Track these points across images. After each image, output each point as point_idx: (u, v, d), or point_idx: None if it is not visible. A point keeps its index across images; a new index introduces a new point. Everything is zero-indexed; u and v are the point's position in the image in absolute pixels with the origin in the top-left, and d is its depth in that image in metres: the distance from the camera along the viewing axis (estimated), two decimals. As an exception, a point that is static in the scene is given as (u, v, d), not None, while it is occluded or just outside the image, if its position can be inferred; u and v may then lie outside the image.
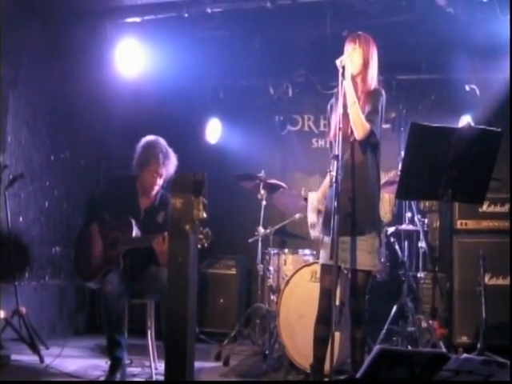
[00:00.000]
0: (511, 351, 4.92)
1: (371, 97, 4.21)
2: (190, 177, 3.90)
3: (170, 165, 4.97)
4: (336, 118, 4.18)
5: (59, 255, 6.54)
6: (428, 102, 6.72)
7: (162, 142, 5.00)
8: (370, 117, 4.14)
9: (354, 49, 4.22)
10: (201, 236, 4.14)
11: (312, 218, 4.60)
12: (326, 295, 4.16)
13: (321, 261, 4.31)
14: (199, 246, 4.11)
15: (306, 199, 5.14)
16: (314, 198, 4.58)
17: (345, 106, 4.12)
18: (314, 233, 4.68)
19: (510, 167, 5.78)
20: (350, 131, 4.17)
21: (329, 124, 4.46)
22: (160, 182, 4.95)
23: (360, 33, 4.30)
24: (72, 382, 4.73)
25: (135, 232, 4.75)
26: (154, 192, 4.98)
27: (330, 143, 4.34)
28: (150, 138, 5.03)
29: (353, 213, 4.13)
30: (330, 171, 4.05)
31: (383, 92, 4.27)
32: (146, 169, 4.93)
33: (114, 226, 4.85)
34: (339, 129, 3.96)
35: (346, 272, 4.74)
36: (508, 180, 5.76)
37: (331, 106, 4.46)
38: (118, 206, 4.91)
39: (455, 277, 5.79)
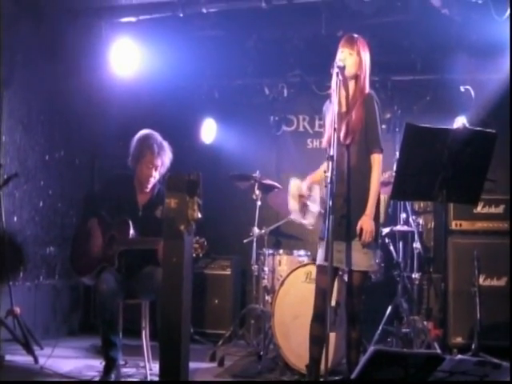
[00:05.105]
0: (511, 352, 4.92)
1: (366, 109, 4.21)
2: (185, 177, 3.90)
3: (166, 156, 4.97)
4: (330, 120, 4.19)
5: (54, 255, 6.51)
6: (423, 103, 6.72)
7: (156, 134, 5.02)
8: (376, 143, 4.21)
9: (350, 54, 4.22)
10: (196, 245, 4.14)
11: (293, 204, 4.57)
12: (322, 294, 4.16)
13: (317, 261, 4.31)
14: (194, 255, 4.10)
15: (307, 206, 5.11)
16: (296, 185, 4.57)
17: (338, 108, 4.14)
18: (297, 216, 4.64)
19: (510, 169, 5.79)
20: (343, 135, 4.18)
21: (324, 127, 4.47)
22: (156, 174, 4.95)
23: (356, 36, 4.30)
24: (66, 382, 4.71)
25: (132, 232, 4.74)
26: (150, 185, 4.97)
27: (326, 149, 4.33)
28: (143, 131, 5.05)
29: (348, 216, 4.13)
30: (326, 172, 4.05)
31: (376, 97, 4.30)
32: (142, 161, 4.93)
33: (110, 224, 4.84)
34: (334, 129, 3.97)
35: (340, 273, 4.75)
36: (502, 181, 5.77)
37: (325, 109, 4.47)
38: (115, 204, 4.91)
39: (450, 277, 5.80)
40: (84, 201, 5.13)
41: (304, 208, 4.53)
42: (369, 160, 4.21)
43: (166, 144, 5.00)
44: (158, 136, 5.00)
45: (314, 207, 4.54)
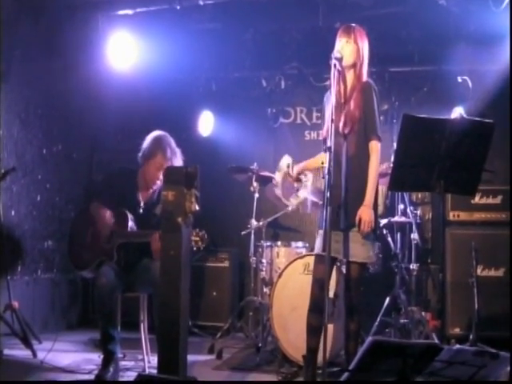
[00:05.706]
0: (511, 344, 4.92)
1: (365, 98, 4.21)
2: (183, 169, 3.90)
3: (177, 163, 4.91)
4: (329, 111, 4.18)
5: (52, 249, 6.52)
6: (420, 94, 6.71)
7: (171, 139, 4.97)
8: (373, 131, 4.21)
9: (347, 42, 4.22)
10: (196, 238, 4.12)
11: (277, 177, 4.64)
12: (319, 284, 4.15)
13: (315, 251, 4.31)
14: (194, 248, 4.09)
15: (297, 190, 5.15)
16: (286, 162, 4.63)
17: (337, 98, 4.13)
18: (277, 191, 4.73)
19: (510, 160, 5.79)
20: (342, 125, 4.18)
21: (323, 119, 4.47)
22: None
23: (353, 25, 4.30)
24: (64, 382, 4.69)
25: (130, 225, 4.73)
26: (155, 187, 4.94)
27: (324, 139, 4.32)
28: (159, 131, 5.01)
29: (346, 206, 4.13)
30: (323, 163, 4.05)
31: (374, 86, 4.29)
32: (151, 161, 4.89)
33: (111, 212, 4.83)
34: (332, 121, 3.96)
35: (338, 264, 4.76)
36: (500, 172, 5.77)
37: (326, 100, 4.47)
38: (116, 198, 4.87)
39: (448, 268, 5.80)
40: (86, 190, 5.08)
41: (288, 188, 4.57)
42: (367, 150, 4.21)
43: (178, 151, 4.96)
44: (172, 141, 4.96)
45: (303, 193, 4.58)
